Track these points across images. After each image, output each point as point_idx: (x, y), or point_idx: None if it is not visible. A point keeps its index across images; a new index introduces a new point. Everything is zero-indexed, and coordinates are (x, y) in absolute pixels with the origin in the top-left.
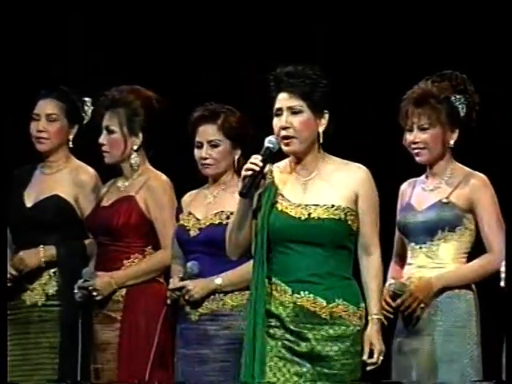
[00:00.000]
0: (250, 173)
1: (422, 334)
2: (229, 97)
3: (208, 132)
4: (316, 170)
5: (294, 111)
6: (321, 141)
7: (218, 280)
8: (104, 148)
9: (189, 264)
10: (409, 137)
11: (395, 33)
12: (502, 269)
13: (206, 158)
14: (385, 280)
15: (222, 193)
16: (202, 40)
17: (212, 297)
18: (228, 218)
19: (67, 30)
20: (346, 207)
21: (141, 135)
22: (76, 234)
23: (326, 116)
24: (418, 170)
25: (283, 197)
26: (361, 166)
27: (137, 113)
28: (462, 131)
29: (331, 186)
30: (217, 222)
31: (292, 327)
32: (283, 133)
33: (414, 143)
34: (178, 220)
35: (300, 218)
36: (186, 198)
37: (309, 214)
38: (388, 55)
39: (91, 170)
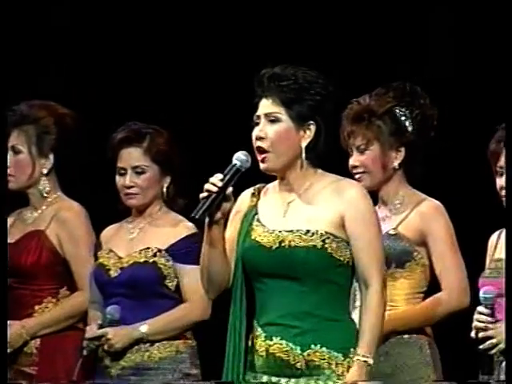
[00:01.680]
0: (205, 194)
1: None
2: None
3: (132, 156)
4: (301, 190)
5: (271, 119)
6: (303, 156)
7: (143, 328)
8: (9, 171)
9: (109, 309)
10: (350, 161)
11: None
12: (476, 316)
13: (130, 187)
14: None
15: (147, 227)
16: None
17: (136, 347)
18: (155, 255)
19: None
20: (325, 233)
21: (52, 157)
22: None
23: (312, 128)
24: None
25: (259, 222)
26: (353, 182)
27: (48, 131)
28: (410, 150)
29: (314, 209)
30: (142, 261)
31: (265, 380)
32: (258, 143)
33: (354, 167)
34: (96, 259)
35: (271, 247)
36: (106, 232)
37: (280, 243)
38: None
39: None
